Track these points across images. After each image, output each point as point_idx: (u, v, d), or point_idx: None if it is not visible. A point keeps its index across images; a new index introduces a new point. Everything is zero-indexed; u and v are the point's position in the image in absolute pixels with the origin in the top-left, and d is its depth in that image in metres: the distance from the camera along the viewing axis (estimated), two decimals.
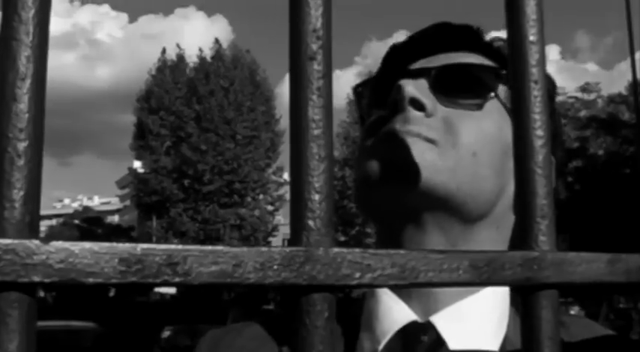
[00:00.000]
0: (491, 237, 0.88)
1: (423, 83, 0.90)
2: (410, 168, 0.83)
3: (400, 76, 0.91)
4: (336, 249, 0.34)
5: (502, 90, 0.92)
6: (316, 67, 0.35)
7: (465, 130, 0.86)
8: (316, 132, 0.35)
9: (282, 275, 0.33)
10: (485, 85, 0.91)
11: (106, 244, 0.31)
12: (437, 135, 0.85)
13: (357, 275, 0.34)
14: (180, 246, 0.31)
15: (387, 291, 0.87)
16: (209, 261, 0.32)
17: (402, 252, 0.35)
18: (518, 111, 0.41)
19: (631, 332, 19.59)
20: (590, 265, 0.40)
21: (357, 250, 0.34)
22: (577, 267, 0.40)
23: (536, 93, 0.41)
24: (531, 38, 0.41)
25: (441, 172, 0.83)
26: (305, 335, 0.33)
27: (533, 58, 0.41)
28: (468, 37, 0.98)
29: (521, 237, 0.40)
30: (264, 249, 0.32)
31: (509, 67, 0.42)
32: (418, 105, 0.87)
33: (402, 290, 0.85)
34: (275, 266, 0.33)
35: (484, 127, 0.87)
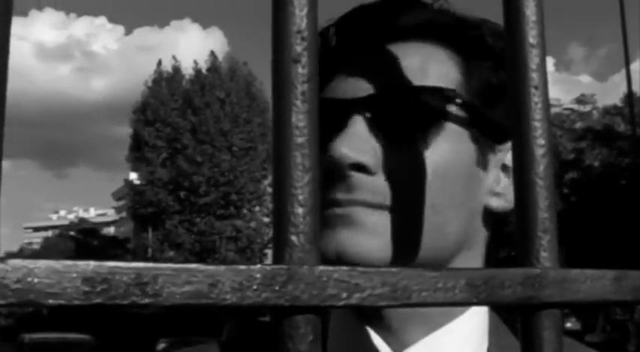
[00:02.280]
0: (468, 258, 0.81)
1: (358, 123, 0.76)
2: (362, 249, 0.73)
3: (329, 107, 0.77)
4: (322, 267, 0.31)
5: (453, 109, 0.78)
6: (300, 70, 0.33)
7: (418, 179, 0.75)
8: (300, 140, 0.32)
9: (263, 295, 0.30)
10: (431, 112, 0.76)
11: (69, 262, 0.28)
12: (385, 197, 0.74)
13: (345, 295, 0.31)
14: (150, 264, 0.29)
15: (356, 319, 0.80)
16: (182, 280, 0.29)
17: (393, 270, 0.32)
18: (517, 119, 0.38)
19: (628, 344, 19.53)
20: (594, 283, 0.37)
21: (344, 268, 0.32)
22: (581, 285, 0.37)
23: (536, 99, 0.38)
24: (531, 41, 0.38)
25: (389, 240, 0.73)
26: None
27: (533, 62, 0.38)
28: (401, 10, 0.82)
29: (522, 252, 0.37)
30: (242, 267, 0.30)
31: (507, 72, 0.39)
32: (359, 167, 0.74)
33: (375, 319, 0.78)
34: (255, 286, 0.30)
35: (439, 165, 0.76)
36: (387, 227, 0.74)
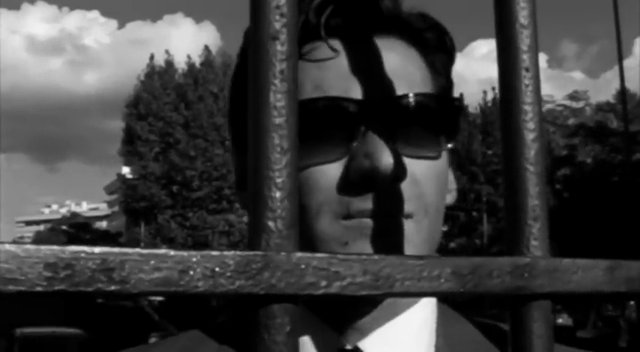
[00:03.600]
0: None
1: (378, 129, 0.73)
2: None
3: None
4: (300, 254, 0.29)
5: (451, 114, 0.78)
6: (279, 47, 0.31)
7: (430, 187, 0.75)
8: (278, 120, 0.30)
9: (237, 283, 0.28)
10: (443, 120, 0.77)
11: (31, 246, 0.26)
12: (412, 206, 0.73)
13: (324, 283, 0.30)
14: (116, 249, 0.27)
15: (305, 308, 0.78)
16: (151, 266, 0.27)
17: (375, 257, 0.31)
18: (507, 102, 0.37)
19: (619, 340, 19.57)
20: (587, 273, 0.36)
21: (323, 255, 0.30)
22: (572, 275, 0.35)
23: (527, 82, 0.37)
24: (522, 21, 0.37)
25: (417, 246, 0.74)
26: None
27: (524, 43, 0.37)
28: None
29: (511, 241, 0.36)
30: (215, 252, 0.28)
31: (497, 54, 0.38)
32: (398, 177, 0.72)
33: (330, 310, 0.76)
34: (228, 273, 0.28)
35: (441, 170, 0.77)
36: (415, 234, 0.74)
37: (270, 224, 0.30)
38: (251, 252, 0.29)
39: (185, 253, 0.28)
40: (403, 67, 0.77)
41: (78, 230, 47.30)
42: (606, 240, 21.92)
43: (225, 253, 0.28)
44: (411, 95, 0.74)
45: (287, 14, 0.32)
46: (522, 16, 0.37)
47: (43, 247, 0.26)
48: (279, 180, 0.30)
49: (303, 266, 0.29)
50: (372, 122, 0.73)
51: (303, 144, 0.73)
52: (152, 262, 0.27)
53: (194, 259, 0.28)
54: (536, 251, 0.35)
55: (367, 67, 0.75)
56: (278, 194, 0.30)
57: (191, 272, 0.28)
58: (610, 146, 27.49)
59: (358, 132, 0.72)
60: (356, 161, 0.71)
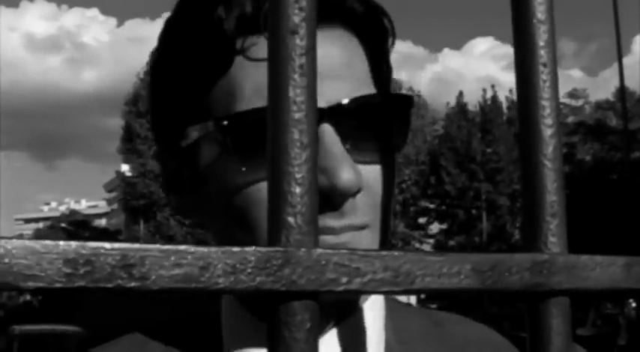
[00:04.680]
0: None
1: (331, 137, 0.67)
2: None
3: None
4: (320, 250, 0.29)
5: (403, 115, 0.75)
6: (298, 41, 0.31)
7: (386, 193, 0.72)
8: (298, 115, 0.30)
9: (257, 279, 0.28)
10: (394, 126, 0.73)
11: (50, 242, 0.26)
12: (368, 216, 0.70)
13: (344, 280, 0.29)
14: (137, 245, 0.27)
15: (247, 310, 0.76)
16: (171, 262, 0.27)
17: (395, 253, 0.31)
18: (524, 98, 0.37)
19: (618, 338, 19.59)
20: (605, 270, 0.36)
21: (344, 251, 0.30)
22: (591, 272, 0.35)
23: (544, 77, 0.36)
24: (539, 16, 0.37)
25: None
26: (284, 351, 0.28)
27: (541, 38, 0.37)
28: None
29: (529, 237, 0.36)
30: (235, 248, 0.28)
31: (514, 49, 0.38)
32: (355, 192, 0.68)
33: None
34: (249, 270, 0.28)
35: (393, 176, 0.73)
36: (371, 243, 0.71)
37: (290, 220, 0.29)
38: (272, 249, 0.28)
39: (205, 249, 0.28)
40: (349, 65, 0.72)
41: (77, 227, 47.34)
42: (606, 238, 21.95)
43: (246, 249, 0.28)
44: (360, 99, 0.70)
45: (306, 8, 0.31)
46: (539, 11, 0.37)
47: (62, 243, 0.26)
48: (298, 176, 0.30)
49: (323, 262, 0.29)
50: (323, 131, 0.67)
51: (249, 157, 0.68)
52: (172, 258, 0.27)
53: (214, 255, 0.28)
54: (554, 247, 0.35)
55: (321, 71, 0.70)
56: (298, 189, 0.30)
57: (211, 269, 0.27)
58: (609, 144, 27.56)
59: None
60: None
